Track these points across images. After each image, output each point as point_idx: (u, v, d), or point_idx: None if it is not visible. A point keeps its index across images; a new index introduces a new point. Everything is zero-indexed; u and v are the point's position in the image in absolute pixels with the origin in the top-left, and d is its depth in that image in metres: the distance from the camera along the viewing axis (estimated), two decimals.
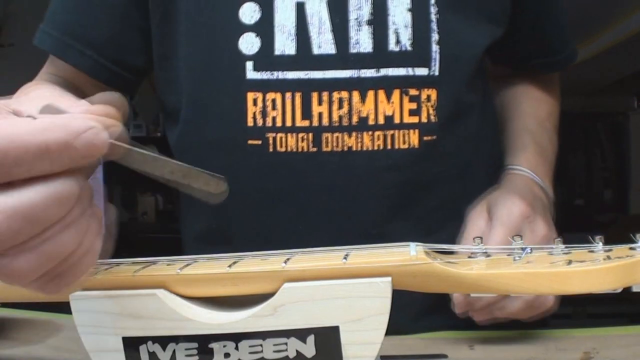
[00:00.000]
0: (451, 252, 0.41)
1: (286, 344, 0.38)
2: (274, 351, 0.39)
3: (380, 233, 0.63)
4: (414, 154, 0.63)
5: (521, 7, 0.70)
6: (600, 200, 5.44)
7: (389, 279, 0.38)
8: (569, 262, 0.36)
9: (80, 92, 0.66)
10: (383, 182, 0.63)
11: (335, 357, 0.38)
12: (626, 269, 0.35)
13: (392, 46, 0.61)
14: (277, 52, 0.61)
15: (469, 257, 0.40)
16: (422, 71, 0.62)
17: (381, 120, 0.61)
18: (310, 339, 0.38)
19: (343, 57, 0.61)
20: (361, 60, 0.61)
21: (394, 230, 0.64)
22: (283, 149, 0.62)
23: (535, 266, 0.36)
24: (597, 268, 0.35)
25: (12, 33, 2.60)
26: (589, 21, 3.18)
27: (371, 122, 0.61)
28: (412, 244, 0.40)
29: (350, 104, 0.61)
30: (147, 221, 3.91)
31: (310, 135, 0.61)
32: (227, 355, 0.39)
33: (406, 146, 0.62)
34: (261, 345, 0.39)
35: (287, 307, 0.38)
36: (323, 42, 0.61)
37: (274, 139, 0.62)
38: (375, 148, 0.62)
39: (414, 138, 0.62)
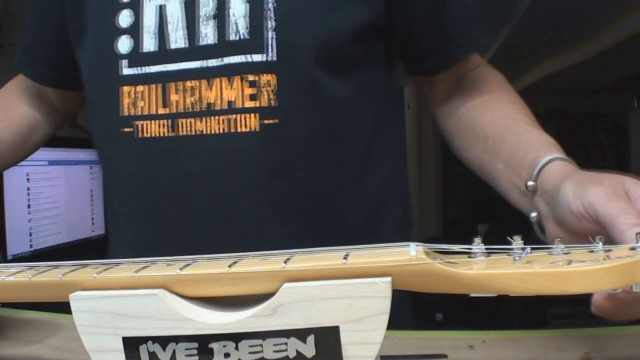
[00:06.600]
0: (451, 252, 0.41)
1: (286, 344, 0.38)
2: (274, 351, 0.39)
3: (239, 217, 0.68)
4: (256, 137, 0.66)
5: None
6: None
7: (389, 279, 0.38)
8: (569, 262, 0.36)
9: (44, 95, 0.88)
10: (232, 165, 0.67)
11: (335, 357, 0.38)
12: (626, 269, 0.35)
13: (232, 36, 0.67)
14: (144, 50, 0.69)
15: (469, 257, 0.40)
16: (258, 57, 0.66)
17: (225, 106, 0.67)
18: (310, 339, 0.38)
19: (193, 49, 0.68)
20: (207, 51, 0.67)
21: (252, 215, 0.68)
22: (148, 135, 0.69)
23: (535, 266, 0.36)
24: (597, 268, 0.35)
25: (12, 33, 2.60)
26: (588, 21, 3.18)
27: (217, 107, 0.67)
28: (412, 244, 0.40)
29: (199, 91, 0.67)
30: None
31: (169, 121, 0.68)
32: (227, 355, 0.39)
33: (247, 129, 0.67)
34: (261, 345, 0.39)
35: (287, 307, 0.38)
36: (178, 38, 0.68)
37: (141, 126, 0.69)
38: (221, 132, 0.67)
39: (254, 122, 0.66)
